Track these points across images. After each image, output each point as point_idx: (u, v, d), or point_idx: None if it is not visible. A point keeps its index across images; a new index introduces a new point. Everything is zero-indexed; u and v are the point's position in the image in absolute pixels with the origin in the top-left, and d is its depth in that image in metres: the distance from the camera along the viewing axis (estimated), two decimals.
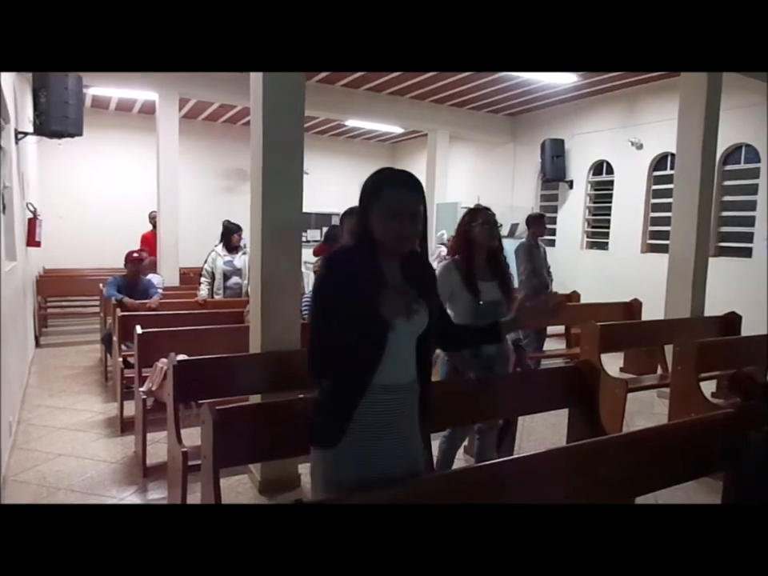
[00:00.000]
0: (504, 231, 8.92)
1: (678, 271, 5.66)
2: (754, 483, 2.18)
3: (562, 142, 9.26)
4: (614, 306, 6.57)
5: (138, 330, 3.96)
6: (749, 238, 7.12)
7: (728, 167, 7.45)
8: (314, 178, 9.76)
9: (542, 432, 4.49)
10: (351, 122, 10.48)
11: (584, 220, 9.37)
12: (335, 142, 12.71)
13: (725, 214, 7.50)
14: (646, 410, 5.26)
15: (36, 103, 5.72)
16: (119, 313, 4.92)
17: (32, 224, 5.92)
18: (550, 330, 6.22)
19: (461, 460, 3.82)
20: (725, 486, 2.50)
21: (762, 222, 6.87)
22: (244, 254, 6.06)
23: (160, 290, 5.88)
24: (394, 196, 1.61)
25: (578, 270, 8.89)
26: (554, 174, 9.24)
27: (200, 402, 3.05)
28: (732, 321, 5.54)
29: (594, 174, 9.29)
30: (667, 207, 7.03)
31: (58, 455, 3.90)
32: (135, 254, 5.77)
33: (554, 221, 9.69)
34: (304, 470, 3.44)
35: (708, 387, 4.44)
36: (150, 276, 6.07)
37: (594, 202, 9.34)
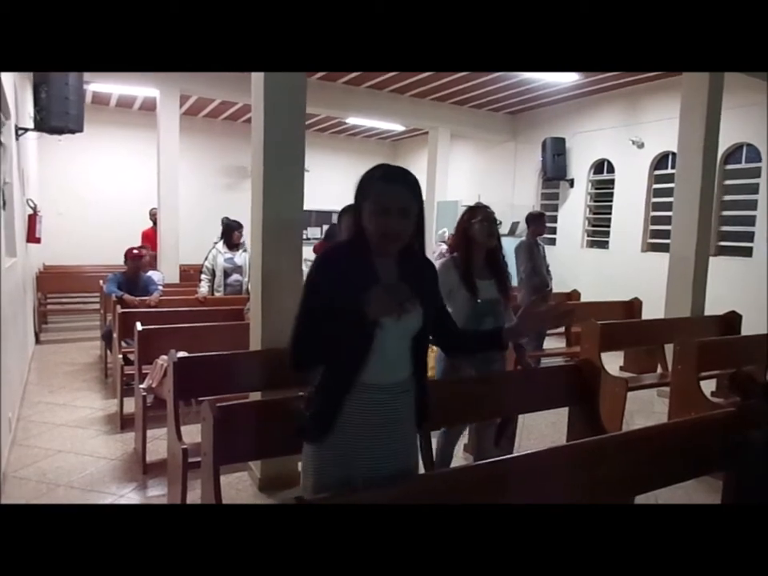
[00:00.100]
0: (504, 230, 8.93)
1: (679, 270, 5.66)
2: (753, 483, 2.18)
3: (562, 140, 9.25)
4: (614, 305, 6.58)
5: (139, 326, 3.96)
6: (749, 237, 7.12)
7: (729, 166, 7.45)
8: (314, 175, 9.74)
9: (541, 430, 4.49)
10: (352, 120, 10.47)
11: (584, 219, 9.36)
12: (336, 139, 12.70)
13: (725, 213, 7.50)
14: (646, 409, 5.26)
15: (36, 99, 5.70)
16: (119, 309, 4.92)
17: (32, 220, 5.91)
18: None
19: (461, 458, 3.83)
20: (725, 486, 2.50)
21: (763, 222, 6.87)
22: (244, 251, 6.06)
23: (160, 287, 5.88)
24: (382, 192, 1.58)
25: (578, 268, 8.89)
26: (554, 172, 9.24)
27: (200, 399, 3.06)
28: (732, 320, 5.54)
29: (594, 173, 9.28)
30: (668, 206, 7.03)
31: (58, 452, 3.90)
32: (135, 251, 5.77)
33: (554, 219, 9.69)
34: None
35: (707, 386, 4.44)
36: (151, 273, 6.06)
37: (595, 201, 9.34)
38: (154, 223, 8.29)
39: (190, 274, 7.84)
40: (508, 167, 10.66)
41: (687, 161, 5.59)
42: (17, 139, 5.42)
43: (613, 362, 5.69)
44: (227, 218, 6.26)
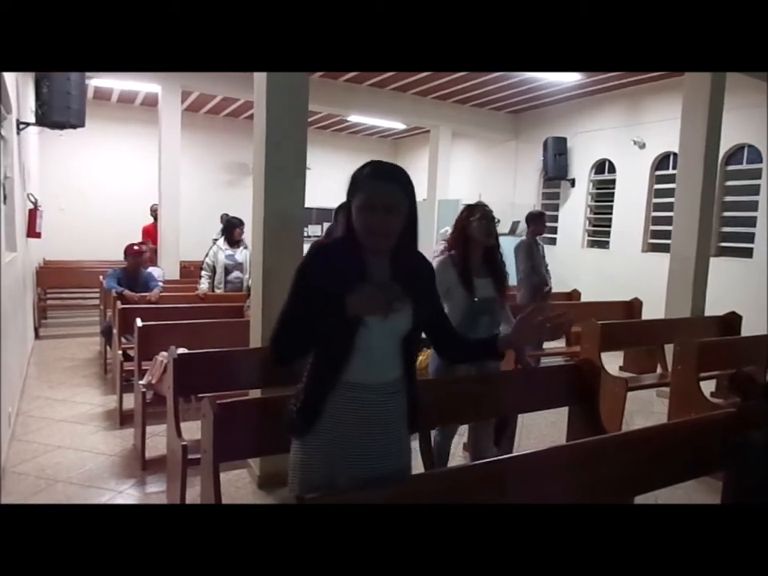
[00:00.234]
0: (505, 229, 8.94)
1: (679, 271, 5.66)
2: (753, 483, 2.18)
3: (564, 140, 9.25)
4: (614, 305, 6.57)
5: (138, 322, 3.96)
6: (750, 238, 7.12)
7: (730, 167, 7.45)
8: (315, 173, 9.74)
9: (541, 430, 4.49)
10: (353, 118, 10.47)
11: (585, 218, 9.37)
12: (337, 137, 12.69)
13: (726, 214, 7.50)
14: (645, 409, 5.26)
15: (38, 93, 5.70)
16: (119, 305, 4.91)
17: (32, 215, 5.90)
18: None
19: (460, 457, 3.83)
20: (724, 487, 2.50)
21: (763, 223, 6.88)
22: (245, 248, 6.05)
23: (160, 283, 5.87)
24: (370, 188, 1.55)
25: (578, 268, 8.89)
26: (556, 172, 9.24)
27: (199, 395, 3.06)
28: (732, 321, 5.54)
29: (596, 173, 9.29)
30: (669, 207, 7.04)
31: (57, 447, 3.90)
32: (136, 247, 5.77)
33: (555, 219, 9.69)
34: None
35: (706, 387, 4.44)
36: (151, 269, 6.07)
37: (596, 201, 9.34)
38: (155, 219, 8.29)
39: (191, 271, 7.84)
40: (509, 166, 10.66)
41: (688, 161, 5.59)
42: (18, 134, 5.41)
43: (612, 362, 5.69)
44: (227, 215, 6.26)
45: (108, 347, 5.66)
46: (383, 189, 1.54)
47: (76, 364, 6.13)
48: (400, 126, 11.06)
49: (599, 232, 9.21)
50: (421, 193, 10.40)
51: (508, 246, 5.62)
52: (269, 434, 2.52)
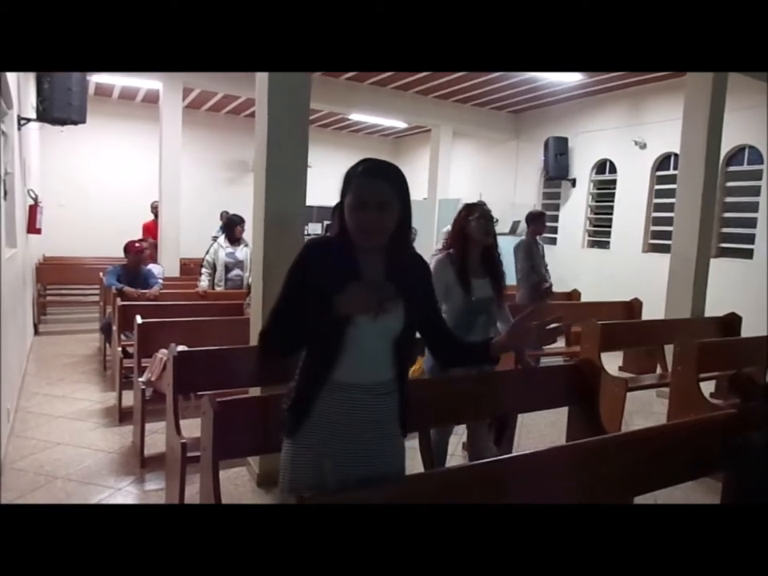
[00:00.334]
0: (505, 228, 8.94)
1: (680, 271, 5.66)
2: (754, 485, 2.18)
3: (565, 140, 9.24)
4: (614, 305, 6.58)
5: (138, 319, 3.95)
6: (750, 239, 7.13)
7: (731, 168, 7.45)
8: (316, 171, 9.73)
9: (540, 430, 4.49)
10: (355, 116, 10.47)
11: (586, 219, 9.36)
12: (338, 135, 12.69)
13: (727, 215, 7.50)
14: (645, 410, 5.26)
15: (39, 89, 5.70)
16: (119, 302, 4.91)
17: (33, 211, 5.90)
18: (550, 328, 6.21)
19: (459, 456, 3.83)
20: (724, 487, 2.50)
21: (764, 224, 6.88)
22: (246, 246, 6.05)
23: (160, 280, 5.87)
24: (361, 186, 1.53)
25: (579, 268, 8.89)
26: (556, 172, 9.24)
27: (199, 393, 3.05)
28: (732, 322, 5.55)
29: (596, 173, 9.28)
30: (669, 207, 7.03)
31: (56, 444, 3.90)
32: (136, 244, 5.76)
33: (555, 219, 9.69)
34: None
35: (706, 388, 4.44)
36: (151, 266, 6.07)
37: (597, 201, 9.34)
38: (156, 216, 8.28)
39: (191, 268, 7.84)
40: (510, 166, 10.66)
41: (689, 162, 5.58)
42: (19, 129, 5.40)
43: (612, 363, 5.69)
44: (227, 212, 6.25)
45: (107, 344, 5.65)
46: (375, 186, 1.52)
47: (75, 360, 6.13)
48: (401, 124, 11.05)
49: (600, 232, 9.21)
50: (421, 192, 10.41)
51: (508, 246, 5.63)
52: (268, 432, 2.52)
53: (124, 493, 3.30)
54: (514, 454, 2.43)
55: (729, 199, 7.48)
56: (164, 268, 6.84)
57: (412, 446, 3.27)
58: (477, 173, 11.37)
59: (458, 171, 10.77)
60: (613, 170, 8.96)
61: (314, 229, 11.29)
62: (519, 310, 1.83)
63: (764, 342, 4.47)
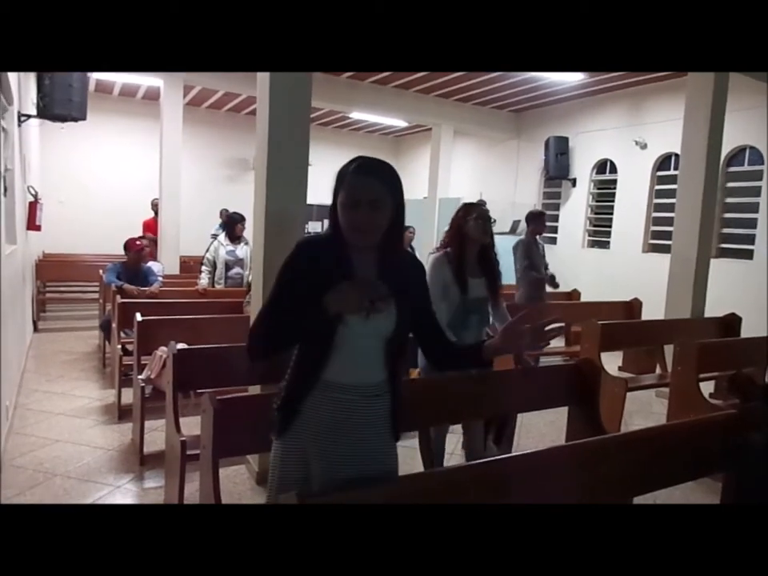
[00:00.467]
0: (505, 228, 8.94)
1: (680, 271, 5.66)
2: (754, 485, 2.18)
3: (566, 139, 9.24)
4: (614, 305, 6.58)
5: (138, 317, 3.95)
6: (750, 239, 7.13)
7: (732, 169, 7.45)
8: (316, 169, 9.73)
9: (540, 429, 4.49)
10: (355, 115, 10.45)
11: (586, 218, 9.36)
12: (339, 134, 12.68)
13: (727, 215, 7.50)
14: (644, 410, 5.26)
15: (40, 86, 5.69)
16: (119, 299, 4.91)
17: (33, 207, 5.89)
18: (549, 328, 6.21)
19: (459, 456, 3.83)
20: (724, 488, 2.50)
21: (764, 224, 6.88)
22: (246, 244, 6.05)
23: (160, 278, 5.87)
24: (353, 184, 1.50)
25: (579, 268, 8.89)
26: (557, 171, 9.23)
27: (198, 391, 3.05)
28: (732, 322, 5.55)
29: (597, 173, 9.28)
30: (670, 207, 7.03)
31: (55, 441, 3.90)
32: (137, 242, 5.76)
33: (556, 218, 9.69)
34: None
35: (706, 388, 4.44)
36: (151, 263, 6.06)
37: (597, 201, 9.34)
38: (156, 213, 8.28)
39: (190, 266, 7.83)
40: (510, 165, 10.65)
41: (690, 162, 5.58)
42: (19, 126, 5.40)
43: (611, 362, 5.69)
44: (226, 210, 6.24)
45: (107, 341, 5.65)
46: (368, 184, 1.50)
47: (74, 358, 6.13)
48: (402, 123, 11.05)
49: (600, 232, 9.21)
50: (422, 191, 10.41)
51: (508, 245, 5.63)
52: (268, 430, 2.52)
53: (123, 490, 3.30)
54: (513, 454, 2.42)
55: (729, 200, 7.48)
56: (164, 265, 6.83)
57: (412, 445, 3.28)
58: (477, 172, 11.36)
59: (458, 170, 10.76)
60: (613, 169, 8.95)
61: (314, 227, 11.28)
62: (518, 308, 1.83)
63: (764, 342, 4.47)
